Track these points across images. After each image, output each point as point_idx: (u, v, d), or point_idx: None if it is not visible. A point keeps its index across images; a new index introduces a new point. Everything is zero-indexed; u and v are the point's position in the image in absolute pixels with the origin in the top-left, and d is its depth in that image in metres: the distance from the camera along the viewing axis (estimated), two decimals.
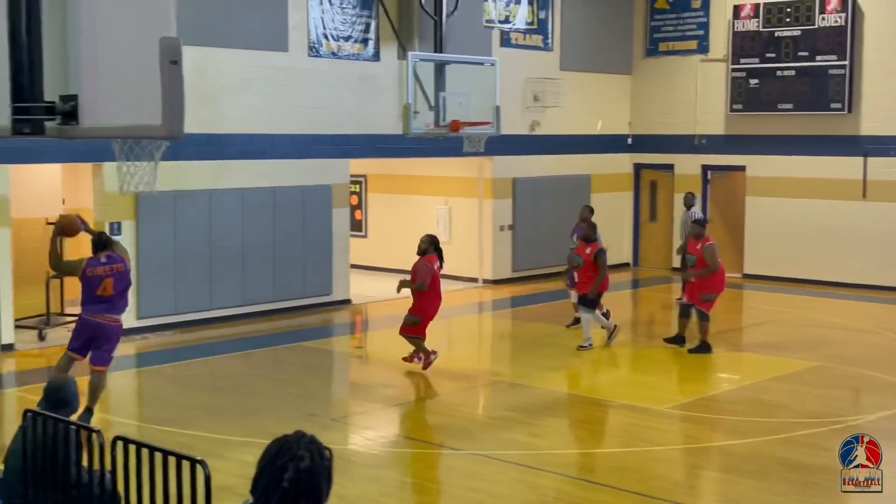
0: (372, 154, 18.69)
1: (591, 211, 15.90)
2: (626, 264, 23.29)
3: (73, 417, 6.81)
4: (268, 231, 16.88)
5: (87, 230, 11.03)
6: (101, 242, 10.79)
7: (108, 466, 6.19)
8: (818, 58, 20.44)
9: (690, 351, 14.43)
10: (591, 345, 14.51)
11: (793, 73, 20.76)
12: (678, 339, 14.74)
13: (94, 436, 6.18)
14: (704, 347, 14.41)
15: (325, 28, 17.61)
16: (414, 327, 13.15)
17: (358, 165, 19.71)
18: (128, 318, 15.24)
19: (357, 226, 21.92)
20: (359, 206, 22.39)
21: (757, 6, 21.09)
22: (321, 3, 17.52)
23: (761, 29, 21.09)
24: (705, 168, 22.42)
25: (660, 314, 18.97)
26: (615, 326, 14.91)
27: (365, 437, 10.91)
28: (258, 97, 16.73)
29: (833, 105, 20.37)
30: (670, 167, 22.90)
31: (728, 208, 22.33)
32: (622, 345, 15.04)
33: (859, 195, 20.38)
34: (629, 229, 23.45)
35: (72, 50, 5.49)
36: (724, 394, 12.66)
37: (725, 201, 22.40)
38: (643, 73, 23.21)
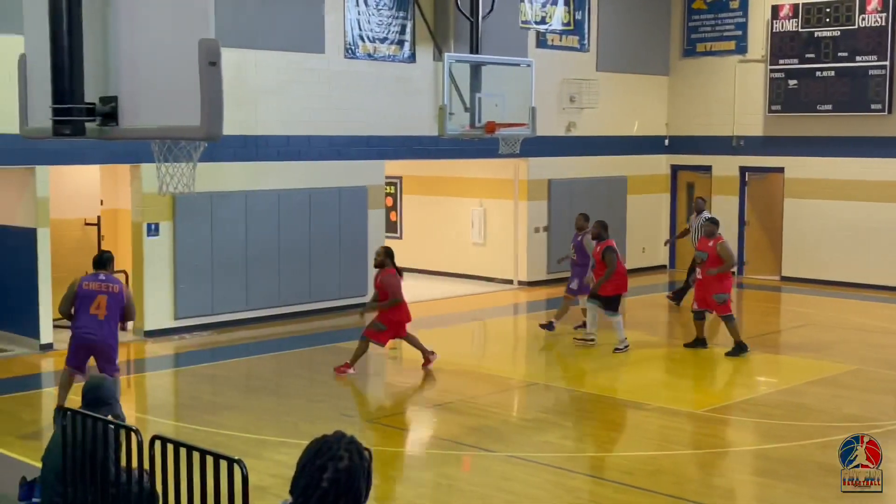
0: (407, 155, 18.71)
1: (586, 218, 15.68)
2: (663, 266, 23.17)
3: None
4: (304, 232, 16.94)
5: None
6: (100, 260, 10.81)
7: (145, 466, 6.24)
8: (858, 58, 20.24)
9: (727, 354, 14.33)
10: (627, 346, 14.44)
11: (832, 73, 20.57)
12: (698, 342, 14.66)
13: (133, 435, 6.22)
14: (739, 348, 14.30)
15: (361, 30, 17.66)
16: (379, 333, 13.08)
17: (393, 167, 19.74)
18: (165, 319, 15.47)
19: (392, 227, 21.95)
20: (394, 208, 22.42)
21: (796, 6, 20.92)
22: (357, 5, 17.56)
23: (800, 29, 20.91)
24: (743, 169, 22.25)
25: None
26: (593, 339, 14.85)
27: (400, 438, 10.92)
28: (295, 99, 16.79)
29: (873, 106, 20.17)
30: (708, 168, 22.75)
31: (766, 210, 22.15)
32: (658, 347, 14.95)
33: None
34: (666, 231, 23.31)
35: (112, 52, 5.54)
36: (762, 397, 12.55)
37: (763, 203, 22.22)
38: (680, 74, 23.08)
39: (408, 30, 18.33)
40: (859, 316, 18.00)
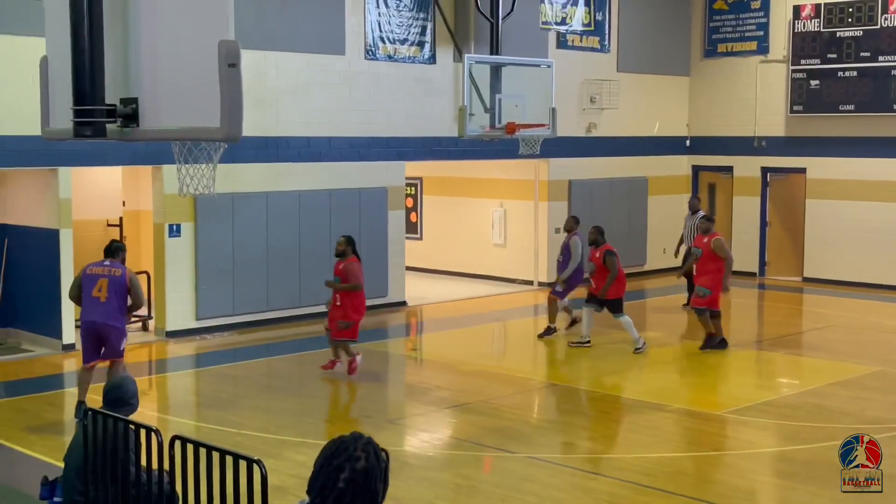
0: (427, 156, 18.73)
1: (576, 221, 15.64)
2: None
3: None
4: (324, 233, 16.97)
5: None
6: (109, 249, 11.03)
7: (165, 466, 6.26)
8: (881, 58, 20.12)
9: (701, 348, 14.57)
10: (644, 344, 14.43)
11: (854, 73, 20.45)
12: (713, 339, 14.70)
13: (153, 435, 6.25)
14: (710, 342, 14.53)
15: (381, 31, 17.68)
16: (347, 330, 12.89)
17: (413, 168, 19.75)
18: (186, 320, 15.53)
19: (412, 228, 21.97)
20: (414, 209, 22.44)
21: (818, 6, 20.81)
22: (378, 7, 17.59)
23: (822, 29, 20.80)
24: (765, 170, 22.15)
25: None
26: (588, 342, 14.90)
27: (420, 438, 10.92)
28: (315, 100, 16.84)
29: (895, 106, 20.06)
30: (729, 169, 22.66)
31: (788, 211, 22.05)
32: (678, 348, 14.89)
33: None
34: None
35: (132, 54, 5.56)
36: (784, 399, 12.49)
37: (785, 204, 22.11)
38: (702, 75, 23.00)
39: (428, 31, 18.34)
40: (882, 317, 17.88)
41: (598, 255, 14.67)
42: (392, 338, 16.86)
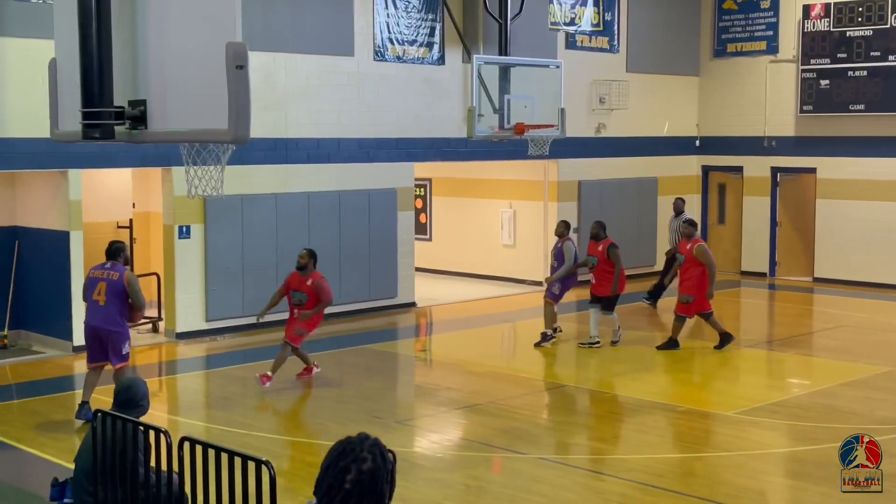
0: (437, 157, 18.74)
1: (567, 226, 15.47)
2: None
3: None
4: (333, 234, 16.99)
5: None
6: (109, 250, 10.99)
7: (175, 467, 6.27)
8: (891, 57, 20.05)
9: (659, 347, 14.64)
10: (598, 343, 14.75)
11: (864, 73, 20.39)
12: (672, 343, 14.80)
13: (162, 436, 6.26)
14: (671, 344, 14.61)
15: (390, 32, 17.69)
16: (300, 337, 12.54)
17: (423, 169, 19.75)
18: (196, 321, 15.56)
19: (422, 229, 21.98)
20: (423, 210, 22.44)
21: (827, 6, 20.75)
22: (387, 8, 17.60)
23: (832, 29, 20.74)
24: (775, 170, 22.10)
25: (727, 319, 18.73)
26: (598, 342, 14.93)
27: (429, 439, 10.92)
28: (324, 101, 16.85)
29: None
30: (739, 169, 22.61)
31: (798, 211, 21.99)
32: (687, 349, 14.86)
33: None
34: (698, 232, 23.14)
35: (140, 56, 5.58)
36: (794, 399, 12.46)
37: (795, 204, 22.06)
38: (711, 75, 22.96)
39: (437, 32, 18.34)
40: (892, 317, 17.82)
41: (600, 248, 14.67)
42: (401, 339, 16.88)
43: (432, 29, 18.29)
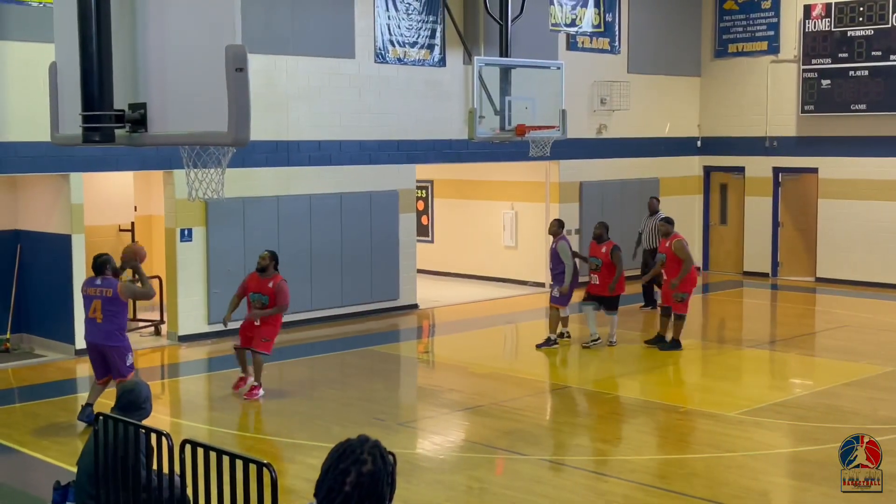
0: (438, 159, 18.74)
1: (560, 225, 15.38)
2: (697, 268, 22.98)
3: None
4: (335, 237, 16.99)
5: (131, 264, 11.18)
6: (95, 265, 10.79)
7: (177, 470, 6.27)
8: (892, 57, 20.05)
9: (662, 347, 14.60)
10: (598, 340, 14.82)
11: (865, 73, 20.38)
12: (659, 339, 14.81)
13: (164, 439, 6.26)
14: (675, 344, 14.59)
15: (391, 34, 17.70)
16: (266, 343, 12.33)
17: (424, 171, 19.75)
18: (198, 324, 15.56)
19: (423, 231, 21.98)
20: (425, 212, 22.44)
21: (828, 6, 20.75)
22: (387, 10, 17.61)
23: (833, 29, 20.74)
24: (776, 170, 22.09)
25: (731, 319, 18.74)
26: (598, 339, 14.99)
27: (431, 441, 10.92)
28: (326, 104, 16.86)
29: None
30: (741, 169, 22.61)
31: (800, 211, 21.98)
32: (690, 350, 14.86)
33: None
34: (699, 233, 23.19)
35: (140, 59, 5.58)
36: (796, 399, 12.45)
37: (797, 204, 22.05)
38: (712, 75, 22.96)
39: (437, 34, 18.35)
40: (895, 317, 17.80)
41: (603, 250, 14.68)
42: (403, 340, 16.88)
43: (433, 31, 18.29)
